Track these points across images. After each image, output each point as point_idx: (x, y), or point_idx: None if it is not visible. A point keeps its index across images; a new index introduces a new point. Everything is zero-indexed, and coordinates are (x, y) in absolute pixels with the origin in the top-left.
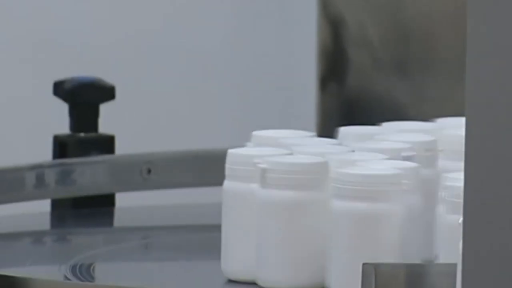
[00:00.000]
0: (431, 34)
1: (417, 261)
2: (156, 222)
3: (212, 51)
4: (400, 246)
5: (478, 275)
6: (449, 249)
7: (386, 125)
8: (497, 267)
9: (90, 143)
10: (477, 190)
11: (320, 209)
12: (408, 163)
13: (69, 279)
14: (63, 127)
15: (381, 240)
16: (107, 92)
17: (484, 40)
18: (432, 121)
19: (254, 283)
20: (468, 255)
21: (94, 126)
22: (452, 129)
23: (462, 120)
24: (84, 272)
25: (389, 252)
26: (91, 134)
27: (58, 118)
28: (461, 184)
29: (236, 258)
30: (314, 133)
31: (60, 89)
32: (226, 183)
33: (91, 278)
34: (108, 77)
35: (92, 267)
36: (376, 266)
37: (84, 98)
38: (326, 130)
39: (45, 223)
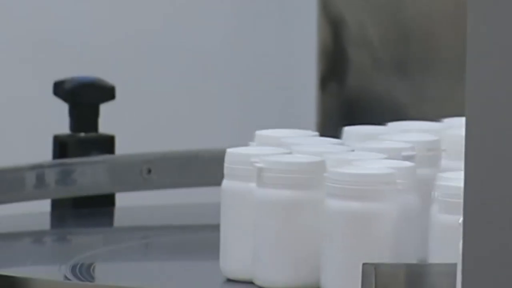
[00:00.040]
0: (431, 34)
1: (413, 260)
2: (156, 222)
3: (212, 51)
4: (395, 245)
5: (478, 275)
6: (441, 248)
7: (392, 125)
8: (497, 267)
9: (90, 143)
10: (477, 190)
11: (316, 208)
12: (405, 163)
13: (69, 279)
14: (63, 127)
15: (375, 239)
16: (107, 92)
17: (484, 40)
18: (439, 121)
19: (252, 283)
20: (468, 255)
21: (94, 126)
22: (455, 129)
23: None
24: (84, 272)
25: (384, 252)
26: (91, 134)
27: (58, 118)
28: (453, 183)
29: (234, 257)
30: (317, 133)
31: (60, 89)
32: (225, 182)
33: (91, 278)
34: (108, 77)
35: (92, 267)
36: (376, 266)
37: (84, 98)
38: (326, 130)
39: (45, 223)
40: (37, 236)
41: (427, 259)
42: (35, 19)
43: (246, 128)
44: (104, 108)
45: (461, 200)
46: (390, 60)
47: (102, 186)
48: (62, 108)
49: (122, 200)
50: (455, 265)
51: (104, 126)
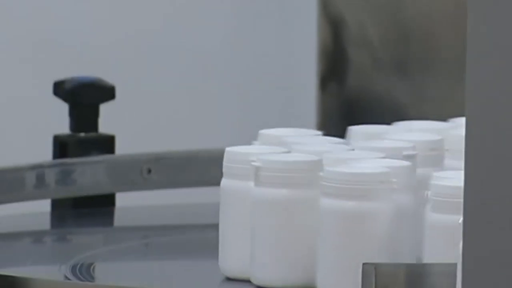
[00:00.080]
0: (431, 34)
1: (408, 260)
2: (156, 222)
3: (212, 51)
4: (390, 244)
5: (478, 275)
6: (432, 248)
7: (398, 125)
8: (497, 267)
9: (90, 143)
10: (477, 190)
11: (313, 207)
12: (401, 162)
13: (69, 279)
14: (63, 127)
15: (369, 238)
16: (107, 92)
17: (484, 40)
18: (446, 120)
19: (251, 281)
20: (468, 255)
21: (94, 126)
22: (459, 128)
23: None
24: (84, 272)
25: (378, 251)
26: (91, 134)
27: (58, 118)
28: (445, 182)
29: (233, 256)
30: (321, 132)
31: (60, 89)
32: (224, 181)
33: (91, 278)
34: (108, 77)
35: (92, 267)
36: (376, 266)
37: (84, 98)
38: (326, 130)
39: (45, 223)
40: (37, 236)
41: (422, 259)
42: (35, 19)
43: (246, 128)
44: (104, 108)
45: (452, 200)
46: (390, 60)
47: (102, 186)
48: (62, 108)
49: (122, 200)
50: (455, 265)
51: (104, 126)
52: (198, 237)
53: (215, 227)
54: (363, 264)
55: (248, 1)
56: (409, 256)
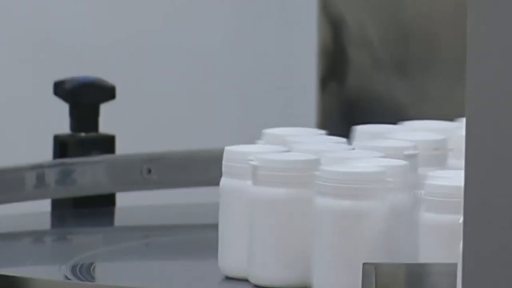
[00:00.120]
0: (431, 34)
1: (404, 259)
2: (156, 222)
3: (212, 51)
4: (385, 243)
5: (478, 275)
6: (426, 247)
7: (406, 124)
8: (497, 267)
9: (91, 143)
10: (477, 190)
11: (310, 206)
12: (398, 161)
13: (69, 279)
14: (64, 127)
15: (365, 237)
16: (107, 92)
17: (484, 40)
18: (453, 120)
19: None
20: (468, 255)
21: (94, 126)
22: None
23: None
24: (84, 272)
25: (373, 250)
26: (92, 134)
27: (59, 118)
28: (438, 182)
29: (232, 255)
30: (325, 132)
31: (60, 89)
32: (223, 180)
33: (91, 278)
34: (108, 77)
35: (92, 267)
36: (376, 266)
37: (84, 98)
38: (326, 129)
39: (45, 223)
40: (37, 236)
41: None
42: (35, 19)
43: (246, 128)
44: (104, 108)
45: (446, 199)
46: (390, 60)
47: (102, 186)
48: (62, 108)
49: (122, 200)
50: (455, 265)
51: (104, 126)
52: (198, 237)
53: (215, 227)
54: (363, 264)
55: (248, 1)
56: (405, 255)
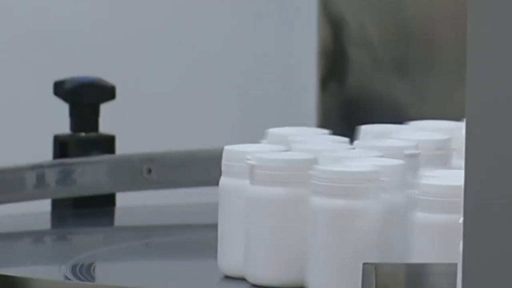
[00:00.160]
0: (431, 34)
1: (398, 258)
2: (156, 222)
3: (212, 51)
4: (380, 243)
5: (478, 275)
6: (419, 247)
7: (412, 124)
8: (497, 267)
9: (91, 143)
10: (477, 190)
11: (306, 206)
12: (393, 161)
13: (69, 279)
14: (64, 127)
15: (359, 236)
16: (107, 92)
17: (484, 40)
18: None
19: None
20: (468, 255)
21: (94, 126)
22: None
23: None
24: (84, 272)
25: (367, 249)
26: (92, 134)
27: (59, 118)
28: (431, 182)
29: (232, 254)
30: (329, 131)
31: (61, 89)
32: (222, 179)
33: (91, 278)
34: (108, 77)
35: (92, 267)
36: (376, 266)
37: (84, 98)
38: (326, 129)
39: (45, 223)
40: (37, 236)
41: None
42: (35, 19)
43: (246, 128)
44: (104, 108)
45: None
46: (390, 60)
47: (102, 186)
48: (62, 108)
49: (123, 200)
50: (455, 265)
51: (104, 126)
52: (198, 237)
53: (214, 227)
54: (363, 264)
55: (248, 1)
56: (399, 255)
